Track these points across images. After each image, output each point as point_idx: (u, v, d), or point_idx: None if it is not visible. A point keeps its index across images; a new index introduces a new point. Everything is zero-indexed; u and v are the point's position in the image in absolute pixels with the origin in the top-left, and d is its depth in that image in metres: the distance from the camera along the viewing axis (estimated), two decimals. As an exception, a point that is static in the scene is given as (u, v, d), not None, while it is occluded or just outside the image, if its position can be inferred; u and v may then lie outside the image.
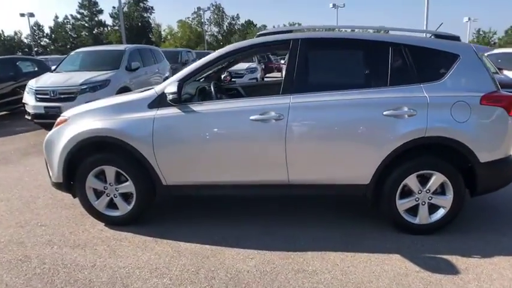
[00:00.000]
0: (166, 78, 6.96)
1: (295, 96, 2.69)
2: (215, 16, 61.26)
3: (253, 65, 12.41)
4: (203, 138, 2.77)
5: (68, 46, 49.08)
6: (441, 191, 2.70)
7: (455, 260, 2.44)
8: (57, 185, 3.04)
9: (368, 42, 2.84)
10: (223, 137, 2.82)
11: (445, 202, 2.69)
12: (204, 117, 2.77)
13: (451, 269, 2.35)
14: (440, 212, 2.73)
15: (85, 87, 6.20)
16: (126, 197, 2.97)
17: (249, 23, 63.98)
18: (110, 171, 2.89)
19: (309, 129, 2.74)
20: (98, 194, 2.99)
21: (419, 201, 2.70)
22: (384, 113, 2.59)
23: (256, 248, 2.63)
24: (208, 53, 3.80)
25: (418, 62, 2.69)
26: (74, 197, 3.04)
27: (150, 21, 56.73)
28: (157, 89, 2.87)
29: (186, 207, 3.38)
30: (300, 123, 2.69)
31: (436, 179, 2.64)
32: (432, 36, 2.93)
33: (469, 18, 35.16)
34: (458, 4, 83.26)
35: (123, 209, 2.97)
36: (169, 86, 2.69)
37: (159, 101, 2.78)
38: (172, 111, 2.76)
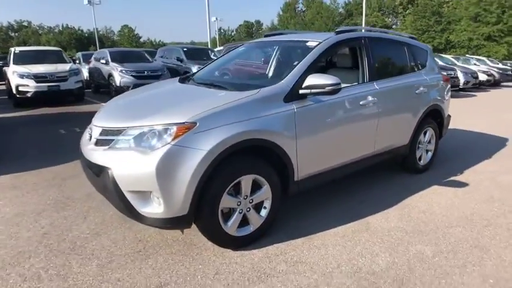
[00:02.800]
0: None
1: (377, 83, 3.42)
2: None
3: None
4: (332, 125, 2.96)
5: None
6: (430, 140, 4.33)
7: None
8: (175, 221, 2.24)
9: (397, 41, 3.97)
10: (346, 121, 3.10)
11: (431, 146, 4.35)
12: (332, 106, 2.95)
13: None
14: (429, 155, 4.34)
15: (71, 71, 9.62)
16: (257, 208, 2.65)
17: None
18: (247, 180, 2.48)
19: (388, 108, 3.52)
20: (226, 215, 2.49)
21: (424, 147, 4.22)
22: (416, 91, 3.84)
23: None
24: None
25: (415, 55, 4.10)
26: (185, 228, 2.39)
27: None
28: (287, 82, 2.71)
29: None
30: (384, 103, 3.44)
31: (430, 130, 4.24)
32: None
33: (216, 18, 42.64)
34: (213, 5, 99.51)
35: (256, 222, 2.63)
36: (312, 79, 2.67)
37: (292, 94, 2.69)
38: (308, 103, 2.75)
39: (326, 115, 2.92)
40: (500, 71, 17.57)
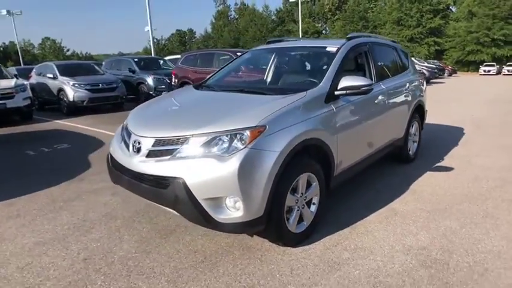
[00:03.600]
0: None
1: (382, 83, 3.84)
2: None
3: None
4: (358, 122, 3.26)
5: None
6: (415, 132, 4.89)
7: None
8: (253, 224, 2.32)
9: (390, 45, 4.45)
10: (367, 118, 3.43)
11: (416, 138, 4.89)
12: (358, 105, 3.24)
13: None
14: (415, 146, 4.90)
15: (18, 87, 8.77)
16: (308, 205, 2.82)
17: None
18: (303, 178, 2.65)
19: (392, 105, 3.94)
20: (286, 213, 2.62)
21: (412, 139, 4.75)
22: (408, 89, 4.35)
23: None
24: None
25: (401, 58, 4.63)
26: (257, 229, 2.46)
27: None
28: (325, 85, 2.93)
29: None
30: (389, 101, 3.87)
31: (416, 123, 4.81)
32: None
33: (150, 27, 41.49)
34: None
35: (308, 218, 2.80)
36: (346, 81, 2.91)
37: (330, 96, 2.91)
38: (341, 103, 3.01)
39: (355, 114, 3.21)
40: (429, 70, 19.84)
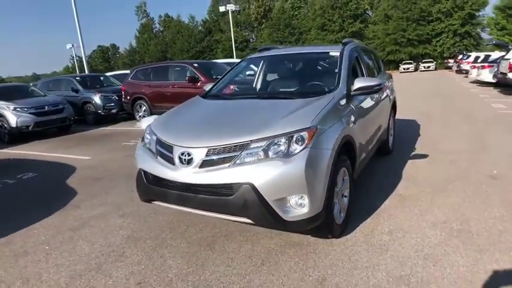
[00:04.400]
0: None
1: None
2: None
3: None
4: (366, 119, 3.63)
5: None
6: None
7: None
8: (315, 219, 2.52)
9: (369, 49, 4.97)
10: (371, 112, 3.86)
11: (391, 131, 5.50)
12: (363, 103, 3.63)
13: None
14: (391, 138, 5.50)
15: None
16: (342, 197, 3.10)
17: None
18: (341, 173, 2.91)
19: (380, 101, 4.40)
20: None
21: (390, 132, 5.33)
22: (388, 87, 4.89)
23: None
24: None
25: (377, 60, 5.18)
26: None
27: None
28: (343, 86, 3.25)
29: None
30: (379, 98, 4.32)
31: (392, 118, 5.40)
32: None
33: (73, 45, 39.37)
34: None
35: (344, 210, 3.07)
36: (360, 82, 3.27)
37: (347, 96, 3.22)
38: (355, 102, 3.36)
39: (364, 110, 3.61)
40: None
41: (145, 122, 9.88)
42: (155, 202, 2.99)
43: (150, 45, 70.52)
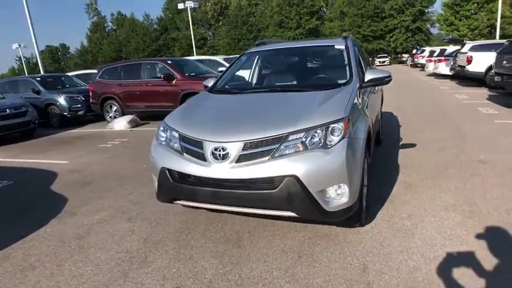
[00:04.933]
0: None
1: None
2: None
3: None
4: (373, 106, 3.85)
5: None
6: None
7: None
8: (353, 208, 2.61)
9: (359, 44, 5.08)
10: (374, 102, 4.11)
11: (381, 122, 5.75)
12: (368, 93, 3.76)
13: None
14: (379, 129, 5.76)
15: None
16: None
17: None
18: (365, 162, 3.02)
19: (375, 92, 4.56)
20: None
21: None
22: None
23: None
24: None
25: (367, 55, 5.37)
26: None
27: None
28: (356, 78, 3.35)
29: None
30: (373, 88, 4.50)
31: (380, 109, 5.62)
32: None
33: (19, 45, 36.79)
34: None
35: (365, 198, 3.18)
36: (371, 74, 3.38)
37: (361, 87, 3.34)
38: (366, 92, 3.51)
39: (372, 100, 3.78)
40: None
41: (118, 123, 9.49)
42: (178, 202, 2.90)
43: (103, 44, 67.55)
